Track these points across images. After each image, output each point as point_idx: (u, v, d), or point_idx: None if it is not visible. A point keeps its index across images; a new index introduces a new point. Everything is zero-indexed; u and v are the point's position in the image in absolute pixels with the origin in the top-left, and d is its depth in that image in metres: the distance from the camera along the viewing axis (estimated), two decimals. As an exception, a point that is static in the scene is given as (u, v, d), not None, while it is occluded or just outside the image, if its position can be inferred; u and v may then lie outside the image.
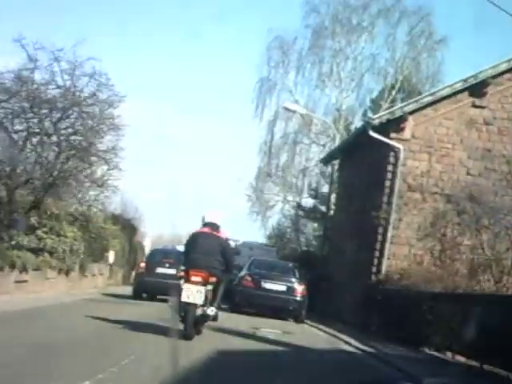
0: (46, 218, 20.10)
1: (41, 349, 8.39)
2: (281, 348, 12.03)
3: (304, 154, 37.86)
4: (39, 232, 19.51)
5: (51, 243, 19.48)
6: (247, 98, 46.75)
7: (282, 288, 20.54)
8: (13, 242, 19.00)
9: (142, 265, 22.59)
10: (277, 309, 20.19)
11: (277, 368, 9.57)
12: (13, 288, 16.27)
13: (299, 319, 20.38)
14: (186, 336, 10.01)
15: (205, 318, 10.60)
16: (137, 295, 21.43)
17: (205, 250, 10.66)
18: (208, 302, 10.53)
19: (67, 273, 20.35)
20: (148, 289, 21.18)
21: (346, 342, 14.87)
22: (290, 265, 23.02)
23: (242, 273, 20.95)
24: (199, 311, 10.40)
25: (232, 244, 24.44)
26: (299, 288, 20.67)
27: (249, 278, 20.48)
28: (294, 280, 20.98)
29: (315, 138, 37.31)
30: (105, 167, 23.84)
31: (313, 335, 16.50)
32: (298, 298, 20.52)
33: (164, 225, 55.22)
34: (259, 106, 37.13)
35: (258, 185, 38.43)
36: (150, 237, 53.60)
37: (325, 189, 35.76)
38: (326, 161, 29.50)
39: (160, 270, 21.09)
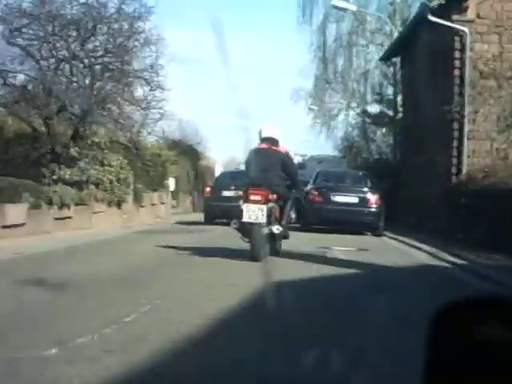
0: (87, 148, 18.39)
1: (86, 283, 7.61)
2: (355, 270, 10.05)
3: (362, 56, 35.35)
4: (81, 164, 17.84)
5: (95, 174, 17.82)
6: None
7: (354, 200, 18.57)
8: (54, 177, 17.45)
9: (207, 189, 21.97)
10: (351, 223, 18.30)
11: (355, 294, 7.66)
12: (53, 226, 14.69)
13: (377, 232, 18.50)
14: (253, 257, 9.57)
15: (272, 237, 10.06)
16: (207, 220, 20.47)
17: (264, 167, 10.08)
18: (273, 220, 9.99)
19: (119, 205, 18.72)
20: (215, 213, 20.09)
21: (431, 254, 12.88)
22: (361, 174, 20.95)
23: (308, 187, 18.95)
24: (265, 230, 9.84)
25: (299, 159, 22.39)
26: (373, 198, 18.67)
27: (315, 192, 18.52)
28: (366, 190, 18.97)
29: (371, 38, 34.60)
30: (146, 88, 22.05)
31: (393, 249, 14.55)
32: (373, 209, 18.54)
33: (235, 148, 53.57)
34: (306, 9, 34.64)
35: (318, 94, 36.02)
36: (221, 161, 52.28)
37: (389, 91, 33.47)
38: (386, 58, 26.94)
39: (226, 193, 19.66)
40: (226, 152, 70.45)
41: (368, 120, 36.60)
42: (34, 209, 14.18)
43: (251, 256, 9.66)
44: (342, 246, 13.88)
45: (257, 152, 10.29)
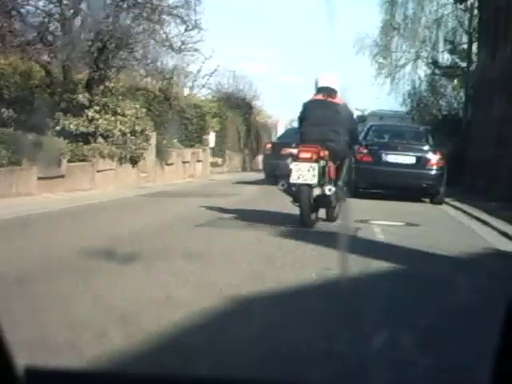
0: (99, 95, 15.74)
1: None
2: (377, 265, 6.99)
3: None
4: (90, 112, 15.21)
5: (106, 125, 15.17)
6: None
7: (410, 160, 15.52)
8: (57, 128, 14.90)
9: (268, 146, 20.50)
10: (405, 188, 15.33)
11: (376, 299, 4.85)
12: (37, 187, 12.12)
13: (437, 199, 15.53)
14: (303, 223, 8.85)
15: (325, 199, 9.06)
16: (269, 179, 17.90)
17: (318, 120, 9.22)
18: (327, 180, 9.04)
19: (135, 162, 16.05)
20: (275, 173, 17.20)
21: (503, 234, 9.85)
22: (421, 129, 17.83)
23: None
24: (316, 191, 8.91)
25: (358, 113, 19.31)
26: (434, 158, 15.58)
27: (364, 151, 15.48)
28: (426, 148, 15.88)
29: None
30: (181, 28, 19.26)
31: (452, 224, 11.51)
32: (433, 172, 15.48)
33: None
34: None
35: (384, 42, 32.60)
36: (284, 120, 49.56)
37: (464, 40, 30.10)
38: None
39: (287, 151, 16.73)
40: (291, 111, 67.21)
41: (438, 72, 33.29)
42: (12, 165, 11.64)
43: (301, 221, 8.88)
44: (388, 219, 10.93)
45: (311, 104, 9.47)
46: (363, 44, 33.12)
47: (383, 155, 15.48)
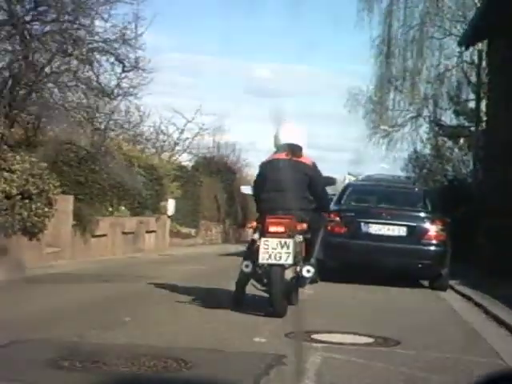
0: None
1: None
2: None
3: (436, 51, 28.21)
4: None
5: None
6: None
7: (400, 231, 11.39)
8: None
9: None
10: (392, 268, 11.23)
11: None
12: None
13: (438, 283, 11.54)
14: (275, 313, 7.24)
15: (300, 282, 7.58)
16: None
17: (282, 185, 7.72)
18: (301, 258, 7.55)
19: (31, 233, 11.92)
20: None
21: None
22: (416, 189, 13.67)
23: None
24: (289, 274, 7.40)
25: (350, 179, 15.11)
26: (433, 228, 11.47)
27: (336, 219, 11.31)
28: (422, 216, 11.76)
29: (449, 27, 27.51)
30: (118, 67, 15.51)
31: (455, 342, 6.93)
32: (432, 248, 11.38)
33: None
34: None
35: (379, 98, 28.78)
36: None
37: (471, 97, 26.50)
38: (467, 40, 19.29)
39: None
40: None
41: (442, 133, 29.52)
42: None
43: (272, 311, 7.27)
44: (349, 327, 6.74)
45: (273, 165, 8.02)
46: (357, 101, 29.32)
47: (362, 225, 11.33)
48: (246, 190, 8.85)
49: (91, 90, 15.15)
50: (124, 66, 15.52)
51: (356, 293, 10.08)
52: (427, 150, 31.43)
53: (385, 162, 30.10)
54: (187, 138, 31.22)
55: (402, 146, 29.94)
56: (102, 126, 16.33)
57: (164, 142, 31.61)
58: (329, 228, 11.25)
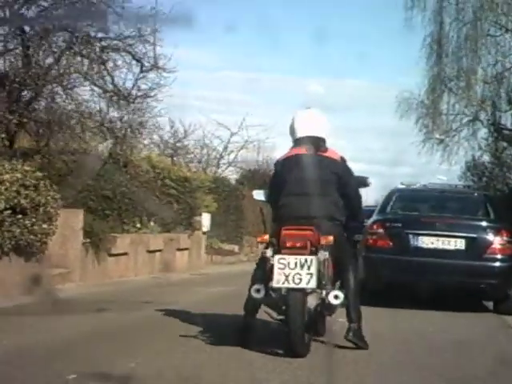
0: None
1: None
2: None
3: (492, 49, 26.33)
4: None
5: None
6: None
7: (458, 244, 9.55)
8: None
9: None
10: (449, 288, 9.43)
11: None
12: None
13: (504, 306, 9.70)
14: (293, 349, 5.70)
15: (327, 310, 6.05)
16: None
17: (307, 187, 6.22)
18: (327, 280, 5.97)
19: (29, 253, 10.38)
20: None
21: None
22: (476, 194, 11.78)
23: (370, 220, 9.99)
24: (313, 301, 5.85)
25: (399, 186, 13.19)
26: (498, 240, 9.59)
27: (380, 230, 9.52)
28: (485, 224, 9.88)
29: (506, 23, 25.72)
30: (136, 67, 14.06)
31: None
32: (497, 263, 9.53)
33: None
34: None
35: (432, 102, 26.89)
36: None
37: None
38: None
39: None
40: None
41: (501, 137, 27.52)
42: None
43: (289, 346, 5.70)
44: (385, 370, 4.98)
45: (291, 162, 6.39)
46: (408, 105, 27.47)
47: (412, 237, 9.50)
48: (259, 195, 7.06)
49: (105, 92, 13.71)
50: (142, 66, 14.06)
51: (404, 321, 8.28)
52: (486, 157, 29.87)
53: (441, 172, 28.18)
54: (232, 152, 30.20)
55: (459, 152, 27.91)
56: (122, 133, 14.85)
57: (209, 155, 30.67)
58: (370, 242, 9.60)
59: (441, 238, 9.51)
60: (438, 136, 27.70)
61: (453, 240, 9.53)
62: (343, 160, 6.48)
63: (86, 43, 13.17)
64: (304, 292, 5.86)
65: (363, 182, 6.86)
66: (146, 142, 17.13)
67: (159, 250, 16.00)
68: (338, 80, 54.68)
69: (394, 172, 47.70)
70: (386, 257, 9.42)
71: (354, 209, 6.54)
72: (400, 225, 9.69)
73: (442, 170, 28.32)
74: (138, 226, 15.81)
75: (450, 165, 27.94)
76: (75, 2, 12.88)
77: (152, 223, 16.59)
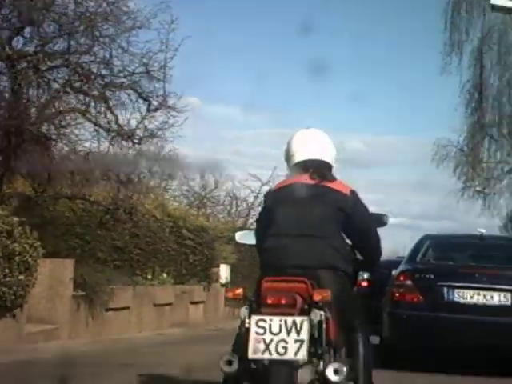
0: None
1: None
2: None
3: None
4: None
5: None
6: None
7: (502, 298, 8.02)
8: None
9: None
10: (491, 352, 7.89)
11: None
12: None
13: None
14: None
15: None
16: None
17: (299, 226, 4.70)
18: (325, 350, 4.37)
19: (6, 310, 9.06)
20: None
21: None
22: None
23: (397, 270, 8.50)
24: (306, 376, 4.24)
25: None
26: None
27: (408, 282, 8.02)
28: (533, 278, 8.32)
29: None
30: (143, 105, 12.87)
31: None
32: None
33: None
34: (454, 33, 24.83)
35: (472, 148, 25.51)
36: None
37: None
38: None
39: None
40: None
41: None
42: None
43: None
44: None
45: (286, 194, 4.83)
46: (446, 152, 26.07)
47: (446, 290, 7.99)
48: (244, 238, 5.49)
49: (109, 132, 12.51)
50: (149, 105, 12.85)
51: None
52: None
53: (480, 225, 26.62)
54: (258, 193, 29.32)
55: (500, 202, 26.37)
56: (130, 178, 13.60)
57: (238, 206, 29.60)
58: (397, 295, 8.09)
59: (482, 292, 7.97)
60: (478, 188, 26.28)
61: (496, 294, 8.00)
62: (354, 193, 4.92)
63: (87, 79, 12.03)
64: (292, 365, 4.34)
65: (380, 220, 5.26)
66: (176, 193, 15.89)
67: (169, 304, 14.70)
68: (377, 136, 53.90)
69: (434, 226, 46.32)
70: (415, 313, 7.93)
71: (371, 255, 5.04)
72: (432, 276, 8.17)
73: (482, 222, 26.74)
74: (149, 277, 14.71)
75: (491, 215, 26.37)
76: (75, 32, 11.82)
77: (165, 275, 15.41)
